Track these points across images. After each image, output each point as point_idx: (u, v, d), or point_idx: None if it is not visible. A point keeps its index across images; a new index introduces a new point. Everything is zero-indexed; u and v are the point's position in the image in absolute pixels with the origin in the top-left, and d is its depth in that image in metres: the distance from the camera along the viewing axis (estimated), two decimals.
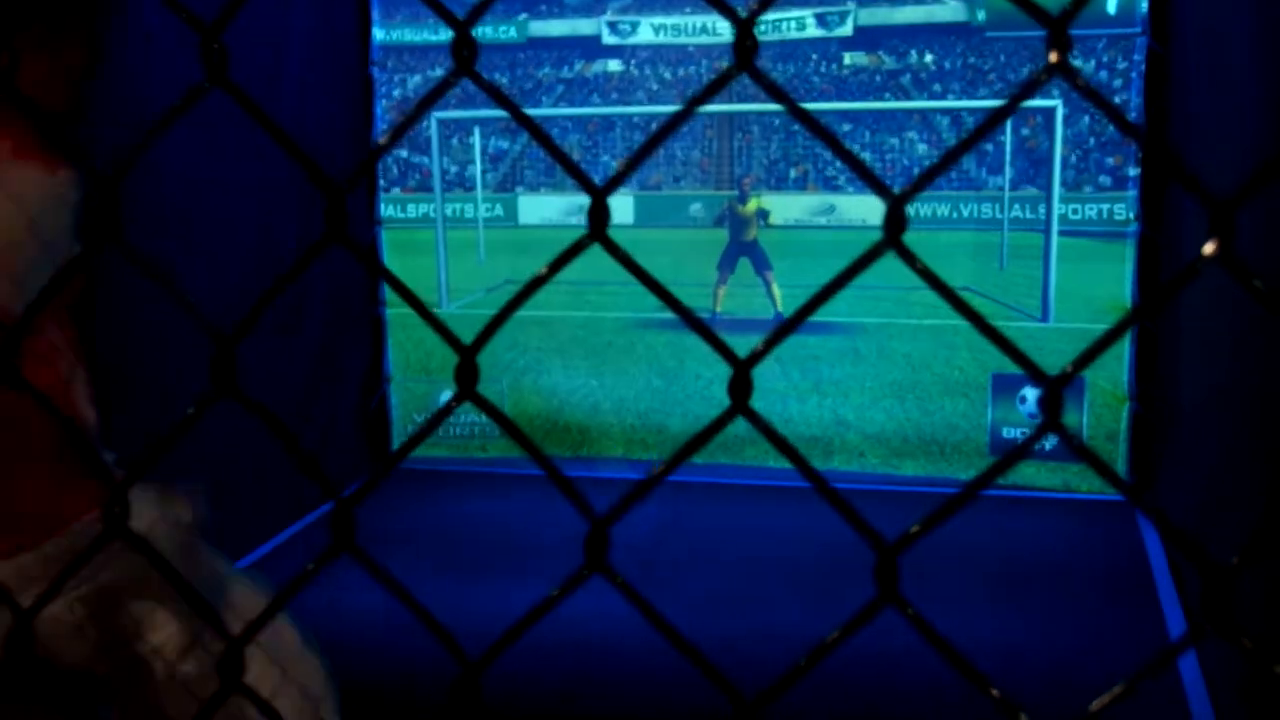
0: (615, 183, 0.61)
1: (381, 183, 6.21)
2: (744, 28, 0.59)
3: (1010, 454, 0.56)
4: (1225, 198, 0.58)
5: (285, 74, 5.11)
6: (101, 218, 0.67)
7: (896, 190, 0.59)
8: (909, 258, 0.58)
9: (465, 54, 0.63)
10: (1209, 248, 0.57)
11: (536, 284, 0.62)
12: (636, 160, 0.58)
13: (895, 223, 0.57)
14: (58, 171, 1.70)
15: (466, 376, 0.65)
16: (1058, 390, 0.57)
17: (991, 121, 0.59)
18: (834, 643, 0.58)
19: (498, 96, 0.62)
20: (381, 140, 0.62)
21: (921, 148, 5.94)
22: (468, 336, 0.67)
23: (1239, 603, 0.56)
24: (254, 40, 4.58)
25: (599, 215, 0.61)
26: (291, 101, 5.13)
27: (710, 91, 0.59)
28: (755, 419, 0.61)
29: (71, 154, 1.69)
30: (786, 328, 0.59)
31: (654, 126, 6.12)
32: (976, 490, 0.56)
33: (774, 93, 0.60)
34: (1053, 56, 0.57)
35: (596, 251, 0.67)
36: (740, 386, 0.60)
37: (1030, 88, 0.57)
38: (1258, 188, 0.57)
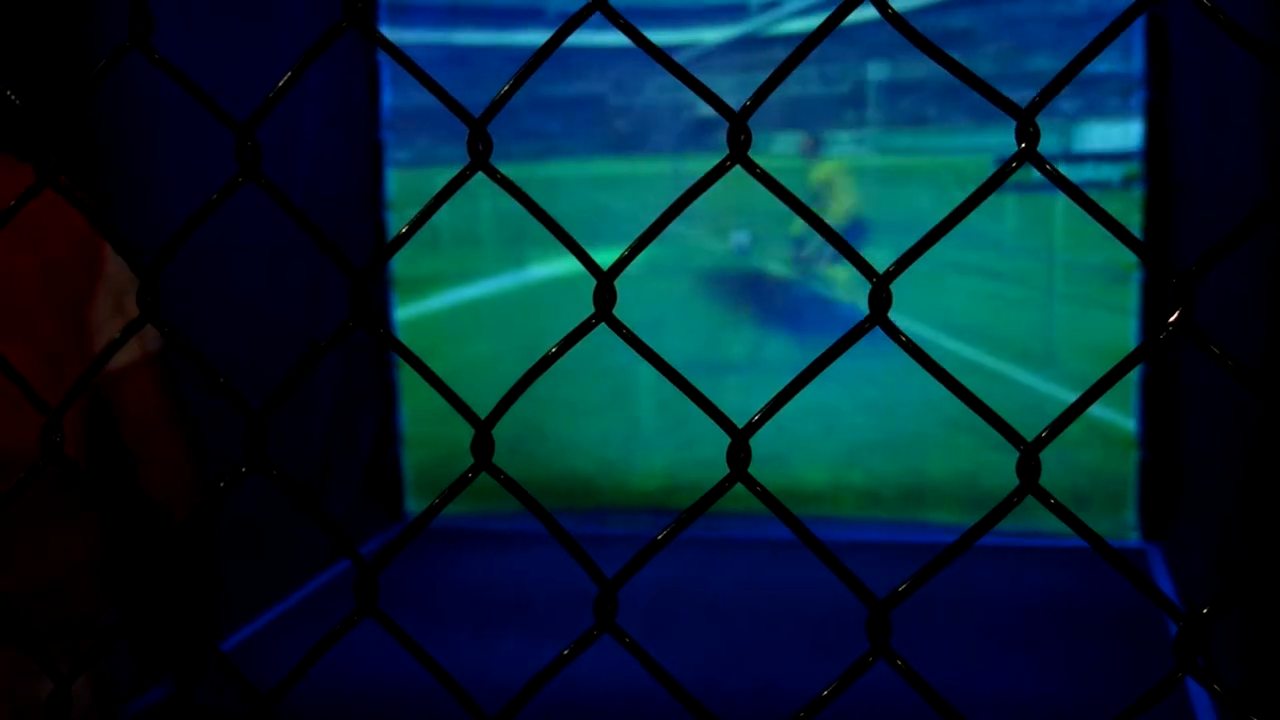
0: (620, 267, 0.65)
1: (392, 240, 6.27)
2: (738, 121, 0.64)
3: (987, 517, 0.60)
4: (1185, 269, 0.62)
5: (301, 135, 5.19)
6: (144, 303, 0.72)
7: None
8: (894, 333, 0.62)
9: (480, 149, 0.67)
10: (1173, 317, 0.61)
11: (547, 362, 0.66)
12: (639, 247, 0.63)
13: (880, 302, 0.61)
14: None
15: (482, 449, 0.69)
16: (1034, 454, 0.61)
17: (971, 203, 0.63)
18: (831, 696, 0.62)
19: (513, 191, 0.67)
20: (403, 230, 0.67)
21: (924, 201, 5.98)
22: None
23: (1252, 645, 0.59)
24: (271, 117, 4.65)
25: (604, 297, 0.66)
26: (305, 163, 5.21)
27: (707, 183, 0.64)
28: (754, 486, 0.65)
29: (114, 240, 1.73)
30: (781, 400, 0.63)
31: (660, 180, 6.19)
32: (956, 554, 0.60)
33: (769, 184, 0.64)
34: (1022, 145, 0.62)
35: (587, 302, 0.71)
36: (738, 454, 0.64)
37: (1003, 175, 0.62)
38: (1215, 261, 0.62)
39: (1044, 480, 0.62)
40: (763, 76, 0.63)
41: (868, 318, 0.63)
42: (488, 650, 4.31)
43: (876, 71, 5.91)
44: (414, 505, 6.28)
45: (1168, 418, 5.24)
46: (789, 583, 4.93)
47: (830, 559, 0.63)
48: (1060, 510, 0.61)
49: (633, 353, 0.68)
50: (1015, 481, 0.61)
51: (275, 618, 4.85)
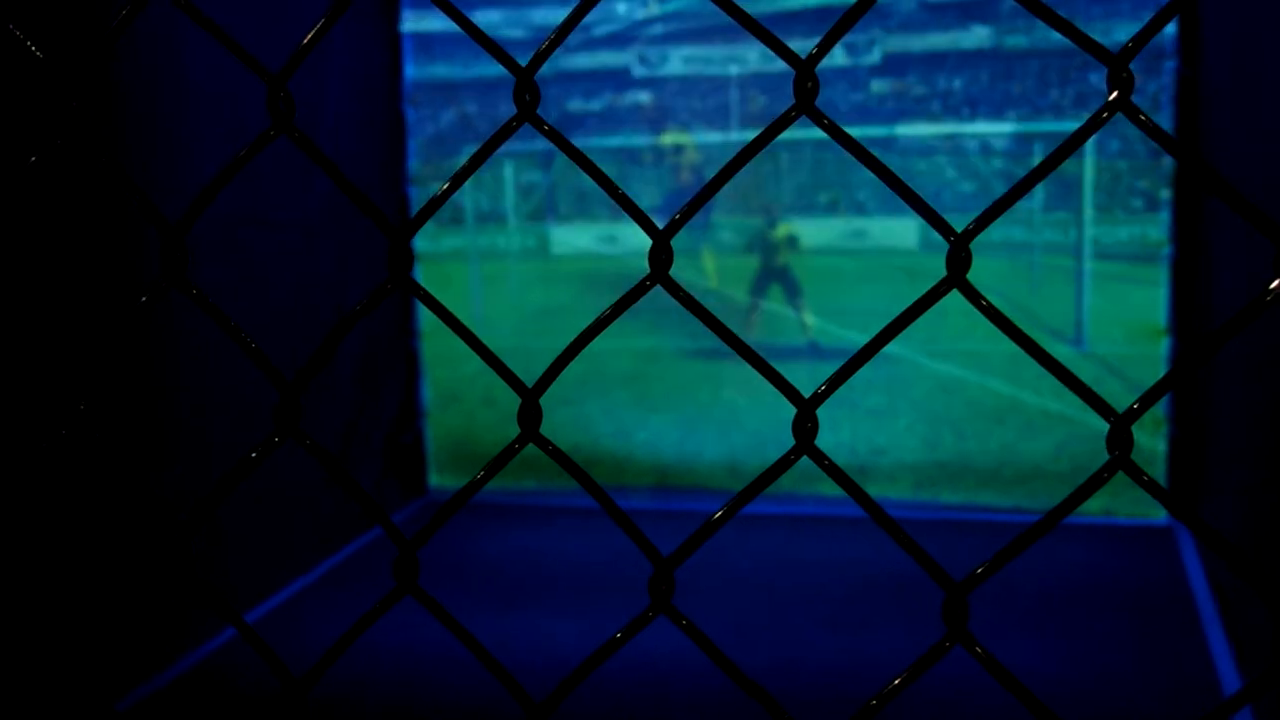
0: (677, 226, 0.61)
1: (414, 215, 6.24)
2: (804, 69, 0.60)
3: (1083, 486, 0.56)
4: None
5: (323, 110, 5.16)
6: (169, 265, 0.68)
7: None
8: (974, 296, 0.58)
9: (528, 99, 0.63)
10: (1275, 284, 0.57)
11: (600, 326, 0.62)
12: (698, 204, 0.59)
13: (959, 261, 0.57)
14: None
15: (530, 419, 0.65)
16: (1126, 425, 0.57)
17: (1058, 156, 0.59)
18: (903, 684, 0.58)
19: (561, 143, 0.63)
20: (443, 186, 0.63)
21: (950, 172, 5.93)
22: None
23: None
24: (295, 78, 4.62)
25: (661, 257, 0.62)
26: (328, 137, 5.18)
27: (773, 133, 0.60)
28: (821, 459, 0.61)
29: (140, 203, 1.66)
30: (849, 369, 0.59)
31: (684, 158, 6.14)
32: (1051, 525, 0.56)
33: (834, 133, 0.60)
34: (1114, 95, 0.57)
35: (624, 279, 0.67)
36: (805, 425, 0.60)
37: (1094, 125, 0.58)
38: None
39: (1069, 456, 0.58)
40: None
41: (945, 279, 0.58)
42: (513, 625, 4.29)
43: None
44: (437, 480, 6.27)
45: (1197, 395, 5.18)
46: (809, 558, 4.90)
47: (904, 538, 0.59)
48: (1153, 487, 0.57)
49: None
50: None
51: (297, 590, 4.84)
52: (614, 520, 0.65)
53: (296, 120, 0.65)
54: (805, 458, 0.62)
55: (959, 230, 0.59)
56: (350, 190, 0.65)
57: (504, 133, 0.62)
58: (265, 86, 0.67)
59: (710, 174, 6.20)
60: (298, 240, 4.92)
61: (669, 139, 6.12)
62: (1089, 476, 0.56)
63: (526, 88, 0.61)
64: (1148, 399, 0.56)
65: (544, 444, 0.64)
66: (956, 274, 0.58)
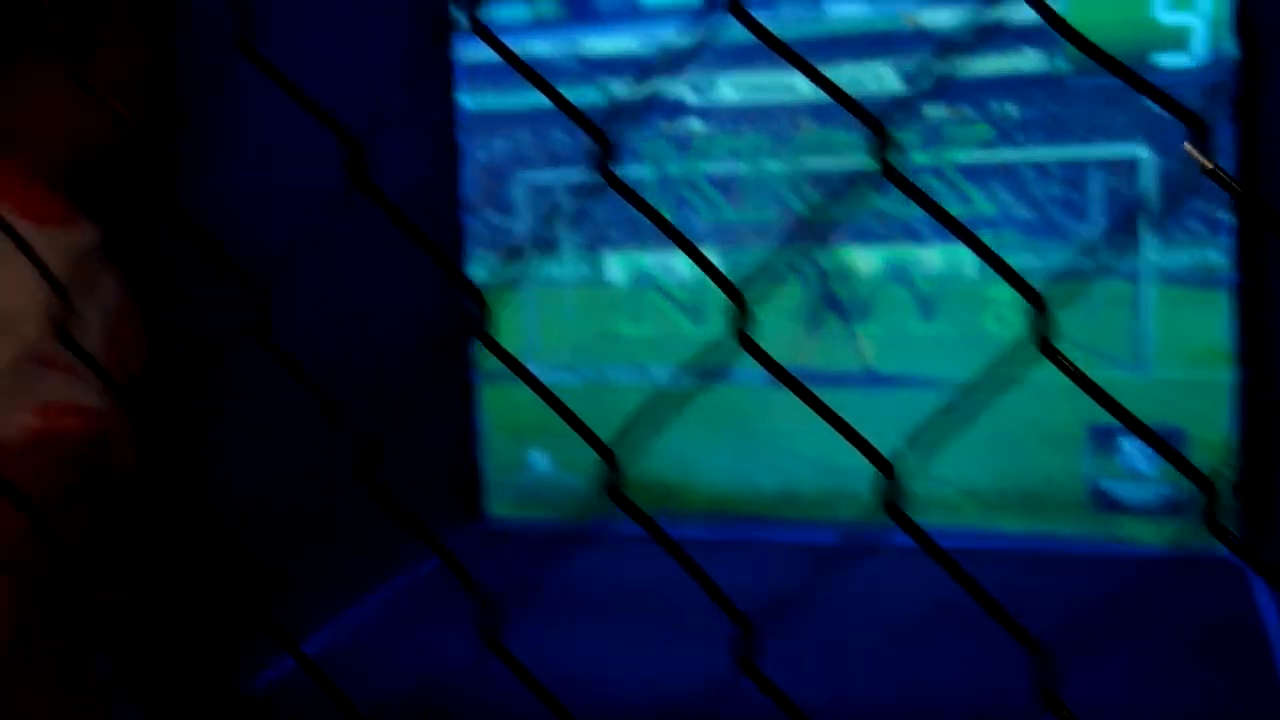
0: (754, 288, 0.61)
1: (470, 245, 6.29)
2: (882, 133, 0.60)
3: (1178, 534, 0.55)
4: None
5: (379, 138, 5.21)
6: (253, 318, 0.69)
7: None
8: (1056, 356, 0.58)
9: (604, 157, 0.64)
10: None
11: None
12: (773, 267, 0.59)
13: (1044, 327, 0.57)
14: (68, 225, 1.56)
15: (609, 479, 0.66)
16: (1214, 492, 0.56)
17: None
18: None
19: (635, 201, 0.63)
20: (520, 240, 0.64)
21: (1007, 197, 5.90)
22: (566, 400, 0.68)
23: None
24: (352, 105, 4.67)
25: (742, 319, 0.62)
26: (386, 165, 5.23)
27: (851, 194, 0.60)
28: (908, 524, 0.61)
29: (221, 258, 1.68)
30: (933, 427, 0.59)
31: (733, 185, 6.14)
32: None
33: (913, 194, 0.60)
34: (1196, 155, 0.57)
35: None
36: (893, 499, 0.60)
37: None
38: None
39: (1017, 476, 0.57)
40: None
41: (1027, 342, 0.58)
42: (570, 654, 4.29)
43: None
44: (493, 508, 6.29)
45: (1266, 425, 5.10)
46: (885, 589, 4.86)
47: (991, 604, 0.59)
48: (1236, 545, 0.56)
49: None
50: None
51: (353, 620, 4.87)
52: (694, 578, 0.65)
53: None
54: (868, 491, 0.62)
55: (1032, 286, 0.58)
56: (432, 251, 0.66)
57: (584, 191, 0.62)
58: (336, 137, 0.68)
59: (768, 204, 6.20)
60: (365, 283, 4.97)
61: (715, 167, 6.13)
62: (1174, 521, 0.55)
63: (608, 153, 0.62)
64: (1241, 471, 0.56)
65: (626, 504, 0.64)
66: (1043, 342, 0.58)
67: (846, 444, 0.63)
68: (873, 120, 0.60)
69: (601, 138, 0.64)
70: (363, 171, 0.64)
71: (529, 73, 0.66)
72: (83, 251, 1.52)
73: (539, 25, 6.21)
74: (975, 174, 5.91)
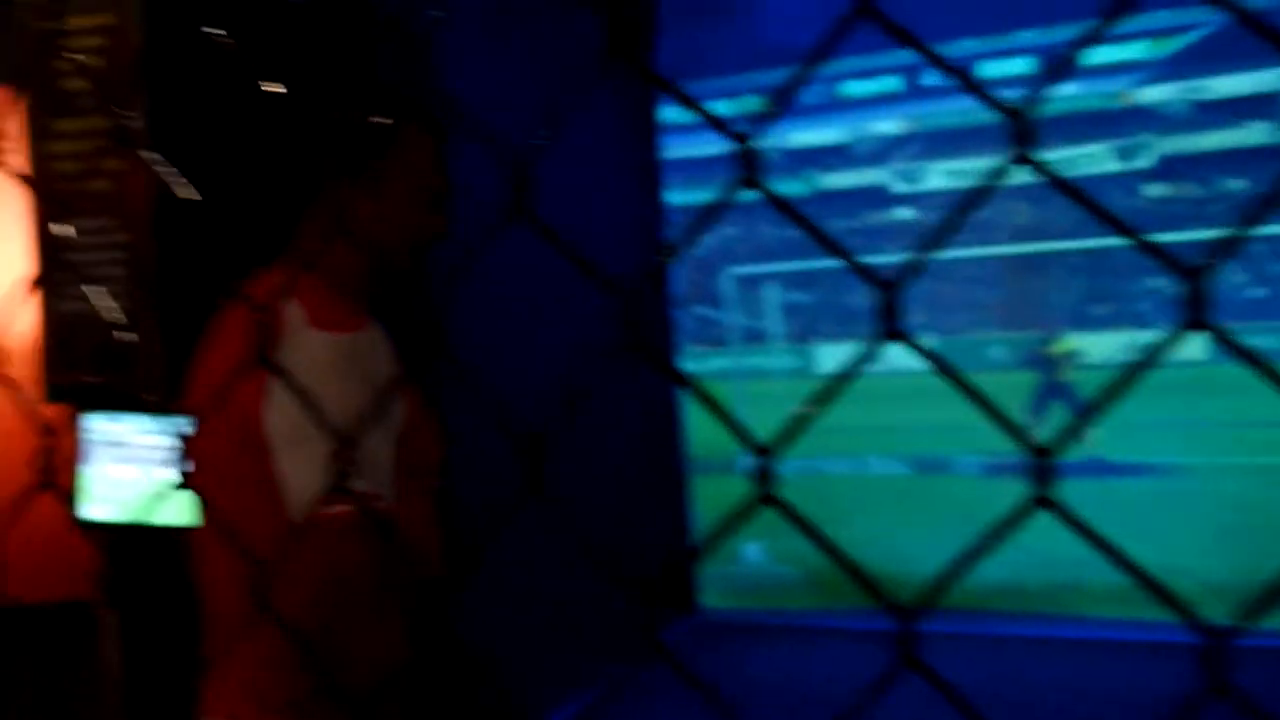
0: (907, 276, 0.62)
1: (680, 338, 6.38)
2: (1018, 120, 0.60)
3: None
4: None
5: (593, 231, 5.34)
6: (430, 352, 0.73)
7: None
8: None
9: (750, 167, 0.66)
10: None
11: (838, 384, 0.63)
12: (927, 253, 0.59)
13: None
14: (357, 329, 1.67)
15: (765, 481, 0.66)
16: None
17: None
18: None
19: (784, 207, 0.64)
20: (674, 245, 0.66)
21: (1240, 278, 5.66)
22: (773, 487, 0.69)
23: None
24: (563, 211, 4.83)
25: (890, 311, 0.62)
26: (592, 228, 5.32)
27: (991, 185, 0.60)
28: (1060, 510, 0.59)
29: (395, 292, 1.77)
30: (1088, 415, 0.58)
31: (949, 272, 6.07)
32: None
33: (1059, 184, 0.60)
34: None
35: (897, 399, 0.68)
36: (1043, 474, 0.59)
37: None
38: None
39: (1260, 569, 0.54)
40: None
41: None
42: None
43: None
44: (707, 599, 6.27)
45: None
46: (1108, 687, 4.63)
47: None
48: None
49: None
50: None
51: (572, 711, 4.89)
52: (855, 583, 0.65)
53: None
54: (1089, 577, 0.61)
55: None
56: (594, 275, 0.68)
57: (726, 196, 0.64)
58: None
59: (984, 289, 6.10)
60: (566, 365, 5.09)
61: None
62: None
63: (752, 164, 0.64)
64: None
65: (781, 505, 0.65)
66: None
67: (1072, 535, 0.62)
68: (1004, 108, 0.60)
69: (745, 141, 0.66)
70: (636, 326, 0.67)
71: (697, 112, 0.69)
72: (367, 353, 1.66)
73: (743, 121, 6.32)
74: (1202, 252, 5.69)
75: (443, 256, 1.91)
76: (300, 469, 1.58)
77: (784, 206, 0.65)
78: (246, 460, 1.64)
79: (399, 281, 1.79)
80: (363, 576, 1.59)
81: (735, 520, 0.67)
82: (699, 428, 6.19)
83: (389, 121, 1.77)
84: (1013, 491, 5.63)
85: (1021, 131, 0.57)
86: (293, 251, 1.81)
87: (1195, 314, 0.59)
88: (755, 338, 6.39)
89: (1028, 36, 5.63)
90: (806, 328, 6.07)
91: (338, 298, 1.70)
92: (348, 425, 1.51)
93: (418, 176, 1.75)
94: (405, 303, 1.86)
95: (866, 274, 0.65)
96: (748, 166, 0.64)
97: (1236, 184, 5.30)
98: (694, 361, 6.36)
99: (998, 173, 0.59)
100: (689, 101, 0.71)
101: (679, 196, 6.34)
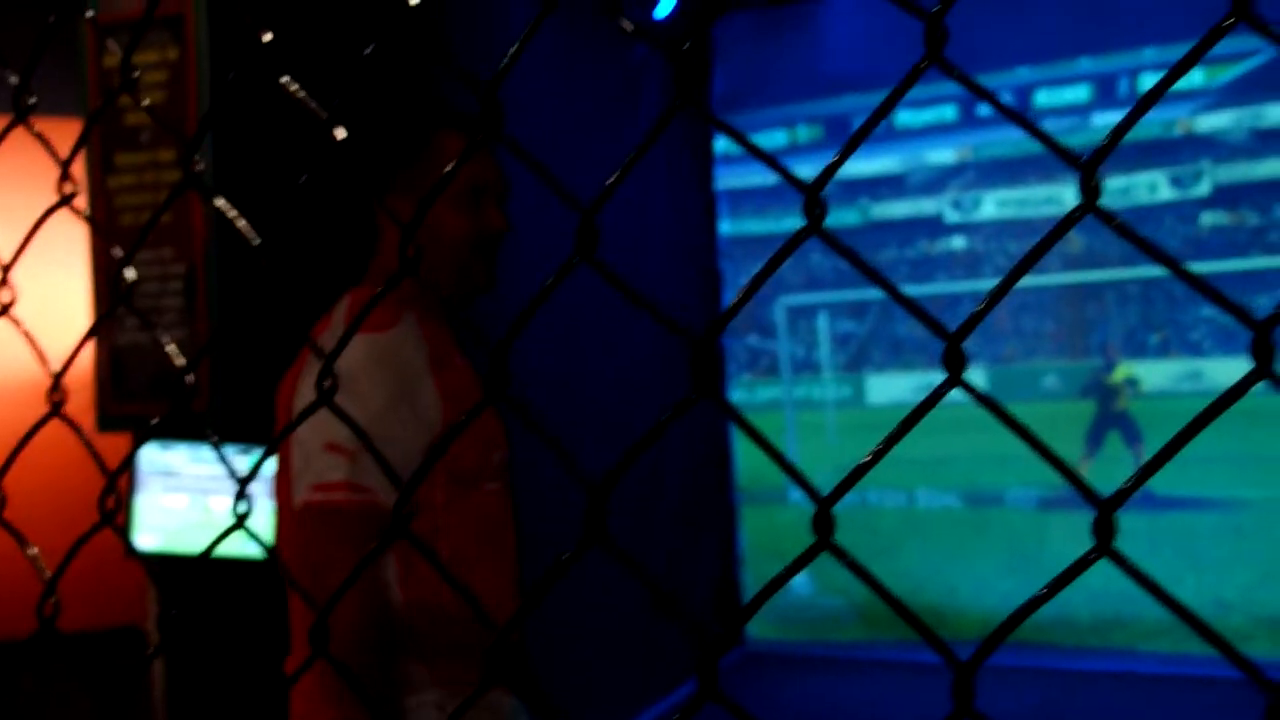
0: (971, 325, 0.62)
1: (731, 367, 6.37)
2: (1087, 170, 0.60)
3: None
4: None
5: (647, 263, 5.37)
6: (496, 381, 0.74)
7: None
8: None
9: (817, 213, 0.66)
10: None
11: (903, 430, 0.63)
12: (993, 303, 0.59)
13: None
14: (391, 326, 1.70)
15: (824, 526, 0.66)
16: None
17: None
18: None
19: (846, 253, 0.64)
20: (740, 295, 0.66)
21: None
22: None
23: None
24: (619, 240, 4.86)
25: (955, 363, 0.62)
26: (650, 288, 5.38)
27: (1058, 235, 0.60)
28: (1124, 562, 0.59)
29: (459, 323, 1.79)
30: (1152, 467, 0.57)
31: (1003, 300, 6.03)
32: None
33: (1126, 234, 0.60)
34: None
35: (947, 430, 0.68)
36: (1104, 528, 0.59)
37: (1063, 229, 0.58)
38: None
39: None
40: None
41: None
42: None
43: None
44: (754, 630, 6.24)
45: None
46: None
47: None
48: None
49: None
50: None
51: None
52: (912, 628, 0.64)
53: (621, 269, 0.70)
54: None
55: None
56: (653, 311, 0.69)
57: (793, 244, 0.65)
58: (579, 219, 0.72)
59: (1038, 319, 6.05)
60: (619, 395, 5.10)
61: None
62: None
63: (815, 203, 0.64)
64: None
65: (840, 553, 0.65)
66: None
67: (1121, 570, 0.62)
68: (1073, 159, 0.60)
69: (810, 191, 0.66)
70: (713, 381, 0.68)
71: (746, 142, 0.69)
72: (397, 350, 1.69)
73: (796, 150, 6.32)
74: (1260, 282, 5.61)
75: (507, 296, 1.93)
76: (301, 464, 1.63)
77: (857, 261, 0.65)
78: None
79: (470, 281, 1.82)
80: (338, 568, 1.58)
81: (794, 570, 0.67)
82: (748, 457, 6.17)
83: (419, 128, 1.82)
84: (1067, 525, 5.56)
85: (1088, 187, 0.57)
86: (370, 268, 1.86)
87: (1263, 363, 0.58)
88: (806, 367, 6.36)
89: (1085, 64, 5.61)
90: (858, 357, 6.05)
91: (390, 301, 1.73)
92: (367, 422, 1.53)
93: (459, 177, 1.77)
94: (479, 302, 1.89)
95: (929, 321, 0.65)
96: (811, 219, 0.64)
97: None
98: (744, 391, 6.33)
99: (1064, 225, 0.59)
100: (761, 153, 0.71)
101: (732, 226, 6.34)
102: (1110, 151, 0.58)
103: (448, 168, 0.81)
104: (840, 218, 6.23)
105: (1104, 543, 0.57)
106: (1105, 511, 0.58)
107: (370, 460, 1.54)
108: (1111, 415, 5.77)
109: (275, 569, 0.92)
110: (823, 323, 6.34)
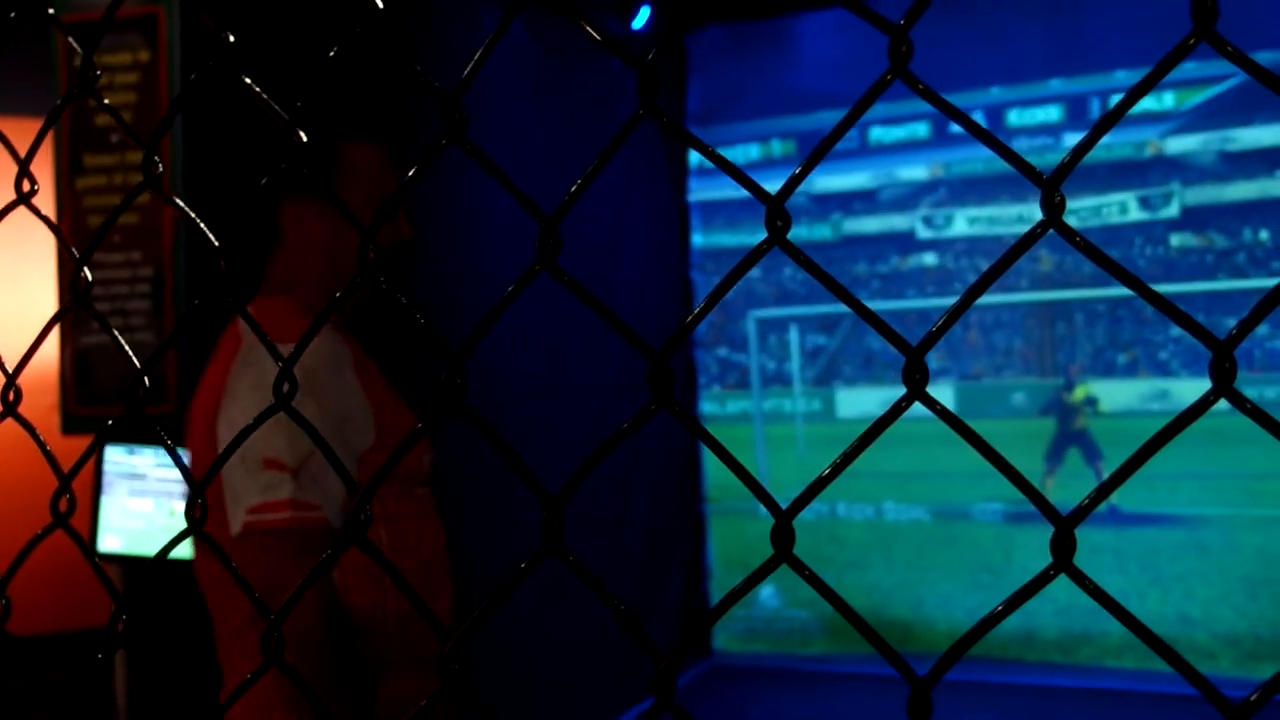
0: (930, 342, 0.61)
1: (701, 379, 6.37)
2: (1049, 187, 0.60)
3: None
4: None
5: (621, 273, 5.36)
6: (449, 391, 0.73)
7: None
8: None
9: (779, 225, 0.66)
10: None
11: (862, 447, 0.63)
12: (953, 319, 0.59)
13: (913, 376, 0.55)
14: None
15: (783, 539, 0.66)
16: None
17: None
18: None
19: (811, 268, 0.64)
20: (702, 305, 0.66)
21: (1262, 329, 5.61)
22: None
23: None
24: (595, 250, 4.86)
25: (914, 377, 0.62)
26: (625, 297, 5.36)
27: (1019, 251, 0.60)
28: (1083, 579, 0.59)
29: (423, 334, 1.78)
30: (1111, 485, 0.57)
31: (973, 318, 6.05)
32: None
33: (1088, 251, 0.60)
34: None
35: (915, 444, 0.67)
36: (1063, 545, 0.59)
37: (1026, 243, 0.58)
38: None
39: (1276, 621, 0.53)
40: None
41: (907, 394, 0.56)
42: None
43: None
44: (721, 643, 6.23)
45: None
46: None
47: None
48: None
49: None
50: None
51: None
52: (870, 642, 0.64)
53: (597, 280, 0.70)
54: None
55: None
56: (617, 325, 0.68)
57: (756, 254, 0.64)
58: (539, 228, 0.72)
59: (1004, 336, 6.09)
60: (598, 403, 5.09)
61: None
62: None
63: (778, 214, 0.63)
64: None
65: (799, 566, 0.64)
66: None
67: (1079, 586, 0.62)
68: (1035, 175, 0.60)
69: (773, 202, 0.66)
70: (669, 391, 0.68)
71: (706, 149, 0.69)
72: (305, 362, 1.67)
73: (770, 164, 6.34)
74: (1227, 303, 5.66)
75: (467, 302, 1.92)
76: (239, 482, 1.61)
77: (824, 277, 0.64)
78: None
79: (376, 291, 1.80)
80: (287, 588, 1.57)
81: (753, 581, 0.66)
82: (718, 469, 6.17)
83: (326, 136, 1.81)
84: (1034, 539, 5.59)
85: (1050, 203, 0.57)
86: (270, 275, 1.84)
87: (1223, 384, 0.58)
88: (777, 380, 6.38)
89: (1057, 85, 5.67)
90: (828, 371, 6.06)
91: (295, 311, 1.74)
92: (323, 428, 1.49)
93: (366, 186, 1.78)
94: (388, 313, 1.88)
95: (891, 335, 0.65)
96: (773, 230, 0.64)
97: (1262, 234, 5.30)
98: (715, 403, 6.33)
99: (1026, 241, 0.59)
100: (732, 168, 0.71)
101: (701, 238, 6.35)
102: (1072, 169, 0.58)
103: (355, 176, 0.80)
104: (813, 232, 6.25)
105: (1063, 559, 0.57)
106: (1064, 528, 0.58)
107: (311, 476, 1.55)
108: (1070, 433, 5.81)
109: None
110: (794, 336, 6.35)
